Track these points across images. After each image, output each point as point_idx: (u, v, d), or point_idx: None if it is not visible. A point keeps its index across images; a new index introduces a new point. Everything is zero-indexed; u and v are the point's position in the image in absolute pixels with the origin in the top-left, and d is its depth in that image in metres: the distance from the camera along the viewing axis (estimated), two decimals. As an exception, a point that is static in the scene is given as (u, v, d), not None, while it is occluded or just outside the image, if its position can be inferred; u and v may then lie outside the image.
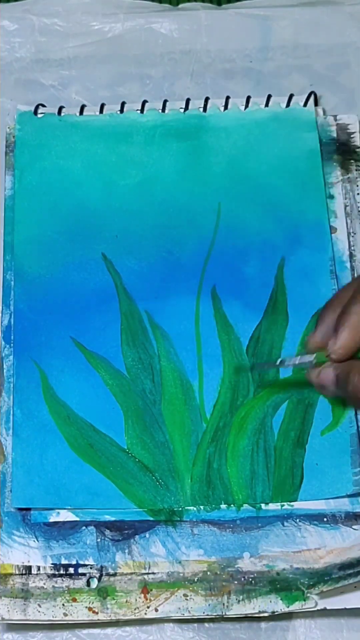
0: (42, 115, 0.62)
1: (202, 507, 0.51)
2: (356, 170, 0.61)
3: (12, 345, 0.55)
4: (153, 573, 0.50)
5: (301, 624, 0.51)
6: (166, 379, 0.55)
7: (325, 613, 0.51)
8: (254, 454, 0.52)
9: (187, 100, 0.63)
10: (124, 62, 0.66)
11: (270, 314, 0.56)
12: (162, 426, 0.53)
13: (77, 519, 0.51)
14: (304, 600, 0.49)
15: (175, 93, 0.66)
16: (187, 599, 0.50)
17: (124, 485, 0.52)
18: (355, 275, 0.57)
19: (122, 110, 0.63)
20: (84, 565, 0.50)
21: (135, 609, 0.49)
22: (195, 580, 0.50)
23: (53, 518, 0.51)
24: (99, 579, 0.50)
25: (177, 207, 0.59)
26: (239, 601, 0.49)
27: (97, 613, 0.49)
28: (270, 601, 0.49)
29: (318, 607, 0.49)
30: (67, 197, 0.60)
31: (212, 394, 0.54)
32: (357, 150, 0.61)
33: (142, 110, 0.62)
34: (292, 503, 0.51)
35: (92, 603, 0.50)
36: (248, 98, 0.62)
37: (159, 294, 0.57)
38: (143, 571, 0.50)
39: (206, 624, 0.51)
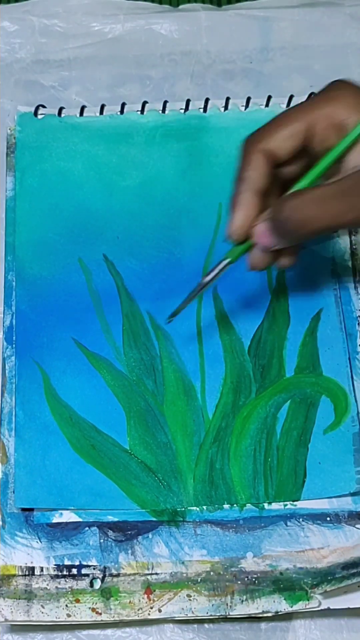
0: (43, 116, 0.62)
1: (204, 507, 0.51)
2: (358, 169, 0.61)
3: (14, 346, 0.55)
4: (156, 573, 0.50)
5: (301, 625, 0.51)
6: (168, 380, 0.55)
7: (325, 614, 0.51)
8: (256, 454, 0.52)
9: (188, 101, 0.63)
10: (124, 63, 0.66)
11: (271, 315, 0.56)
12: (164, 427, 0.53)
13: (80, 519, 0.51)
14: (308, 600, 0.49)
15: (176, 94, 0.66)
16: (190, 600, 0.50)
17: (127, 486, 0.52)
18: (357, 274, 0.58)
19: (122, 111, 0.63)
20: (87, 566, 0.50)
21: (138, 610, 0.49)
22: (199, 580, 0.50)
23: (56, 519, 0.51)
24: (102, 580, 0.50)
25: (177, 207, 0.59)
26: (242, 601, 0.49)
27: (100, 614, 0.49)
28: (274, 601, 0.49)
29: (322, 607, 0.49)
30: (68, 198, 0.60)
31: (214, 394, 0.54)
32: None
33: (142, 111, 0.63)
34: (295, 503, 0.51)
35: (96, 604, 0.50)
36: (248, 99, 0.63)
37: (160, 294, 0.57)
38: (146, 572, 0.50)
39: (206, 625, 0.51)
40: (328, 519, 0.51)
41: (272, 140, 0.46)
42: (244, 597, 0.49)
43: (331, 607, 0.49)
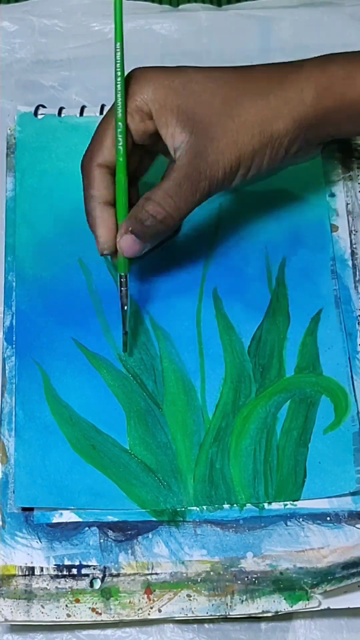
0: (43, 116, 0.63)
1: (204, 507, 0.51)
2: (357, 168, 0.61)
3: (14, 346, 0.55)
4: (156, 573, 0.50)
5: (301, 625, 0.51)
6: (168, 380, 0.55)
7: (325, 614, 0.51)
8: (256, 454, 0.52)
9: (188, 101, 0.63)
10: (124, 63, 0.66)
11: (271, 315, 0.56)
12: (164, 427, 0.53)
13: (80, 519, 0.51)
14: (308, 600, 0.49)
15: (176, 94, 0.65)
16: (190, 600, 0.49)
17: (127, 486, 0.52)
18: (357, 273, 0.58)
19: (122, 111, 0.63)
20: (87, 566, 0.50)
21: (138, 610, 0.49)
22: (199, 580, 0.50)
23: (56, 519, 0.51)
24: (102, 580, 0.50)
25: (177, 207, 0.59)
26: (242, 601, 0.49)
27: (100, 614, 0.49)
28: (274, 601, 0.49)
29: (322, 607, 0.49)
30: (68, 198, 0.60)
31: (214, 394, 0.54)
32: (359, 148, 0.61)
33: (142, 111, 0.63)
34: (295, 502, 0.51)
35: (96, 604, 0.50)
36: (248, 99, 0.62)
37: (160, 295, 0.57)
38: (146, 572, 0.50)
39: (206, 625, 0.51)
40: (328, 518, 0.51)
41: (102, 154, 0.51)
42: (244, 597, 0.49)
43: (331, 607, 0.49)
